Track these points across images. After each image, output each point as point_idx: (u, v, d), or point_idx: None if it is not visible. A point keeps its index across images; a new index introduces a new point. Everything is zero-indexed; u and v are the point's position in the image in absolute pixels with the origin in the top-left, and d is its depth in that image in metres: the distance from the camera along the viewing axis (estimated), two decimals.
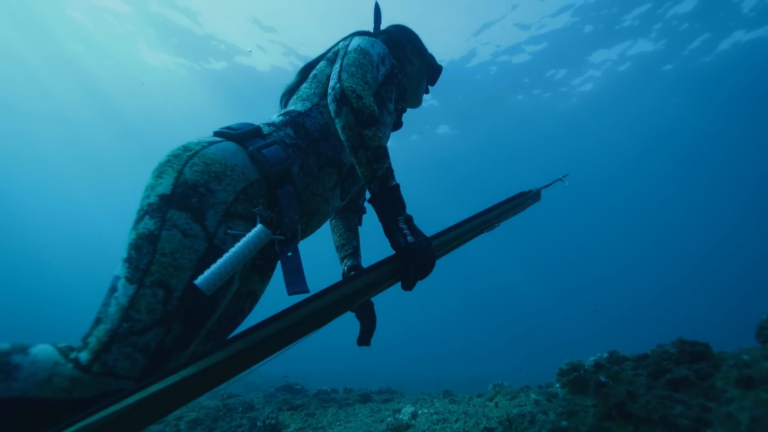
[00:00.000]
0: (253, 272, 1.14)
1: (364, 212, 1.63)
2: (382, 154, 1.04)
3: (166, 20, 15.56)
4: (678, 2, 14.04)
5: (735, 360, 2.84)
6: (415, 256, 0.95)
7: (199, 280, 0.76)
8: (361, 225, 1.66)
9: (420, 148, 23.90)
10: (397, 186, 1.04)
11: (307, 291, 0.93)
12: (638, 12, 14.57)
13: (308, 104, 1.23)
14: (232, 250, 0.82)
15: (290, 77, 1.41)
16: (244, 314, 1.14)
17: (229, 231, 0.89)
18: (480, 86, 18.28)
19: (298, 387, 6.80)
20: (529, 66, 17.40)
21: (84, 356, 0.74)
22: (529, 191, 1.41)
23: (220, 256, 0.85)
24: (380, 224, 1.04)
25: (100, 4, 14.73)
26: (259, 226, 0.87)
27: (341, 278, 1.50)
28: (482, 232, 1.19)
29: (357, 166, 1.05)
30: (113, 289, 0.81)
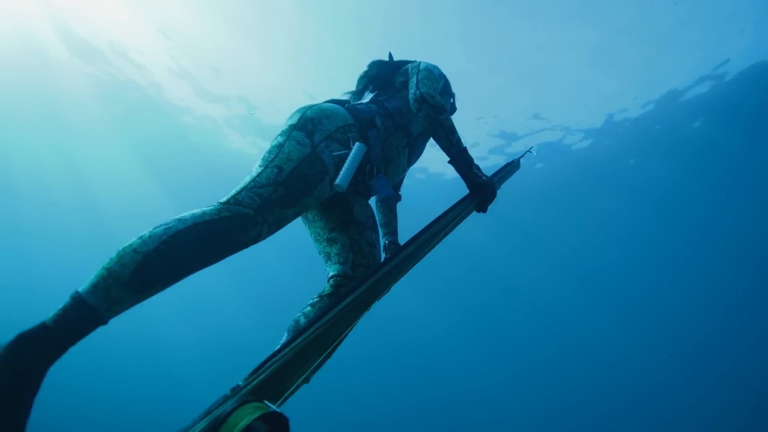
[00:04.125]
0: (359, 198, 1.63)
1: (399, 200, 2.11)
2: (454, 130, 1.60)
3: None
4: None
5: None
6: (490, 188, 1.59)
7: (338, 180, 1.30)
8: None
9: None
10: (466, 148, 1.61)
11: (391, 193, 1.49)
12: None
13: (384, 97, 1.79)
14: (348, 158, 1.34)
15: None
16: (372, 242, 1.60)
17: (327, 145, 1.37)
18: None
19: None
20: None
21: (224, 199, 1.20)
22: (513, 161, 2.08)
23: (319, 158, 1.32)
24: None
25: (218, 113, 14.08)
26: (358, 143, 1.39)
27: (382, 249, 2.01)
28: (500, 186, 1.86)
29: (438, 140, 1.60)
30: (250, 173, 1.28)
